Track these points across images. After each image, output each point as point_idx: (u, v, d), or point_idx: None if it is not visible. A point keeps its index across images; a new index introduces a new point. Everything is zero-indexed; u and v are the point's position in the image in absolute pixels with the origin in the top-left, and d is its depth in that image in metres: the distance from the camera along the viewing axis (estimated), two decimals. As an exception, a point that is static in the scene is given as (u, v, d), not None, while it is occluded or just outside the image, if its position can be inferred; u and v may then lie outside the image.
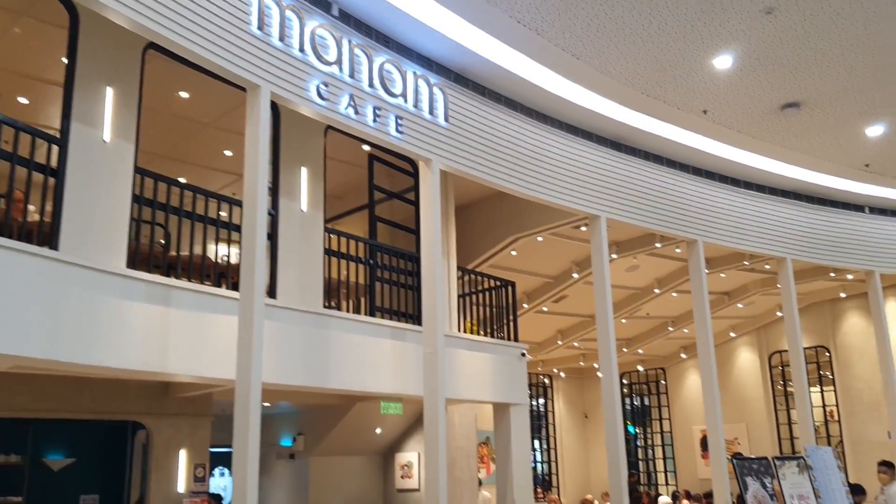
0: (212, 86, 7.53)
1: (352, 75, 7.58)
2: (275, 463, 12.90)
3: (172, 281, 6.85)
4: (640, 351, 20.22)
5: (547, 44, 8.48)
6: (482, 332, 10.96)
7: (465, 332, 10.70)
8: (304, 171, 8.44)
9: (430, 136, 8.26)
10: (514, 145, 9.22)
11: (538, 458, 20.95)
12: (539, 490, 19.04)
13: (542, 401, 21.75)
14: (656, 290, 15.99)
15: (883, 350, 12.87)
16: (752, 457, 8.55)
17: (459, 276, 10.95)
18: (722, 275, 15.24)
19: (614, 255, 13.40)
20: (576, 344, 18.99)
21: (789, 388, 18.30)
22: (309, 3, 7.34)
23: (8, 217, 5.94)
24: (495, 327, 11.26)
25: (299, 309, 7.83)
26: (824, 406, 17.95)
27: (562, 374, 21.88)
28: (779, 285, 12.53)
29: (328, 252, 8.63)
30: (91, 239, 6.38)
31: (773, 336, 19.09)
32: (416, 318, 9.33)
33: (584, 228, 11.62)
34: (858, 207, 13.47)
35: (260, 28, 6.82)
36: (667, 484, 21.04)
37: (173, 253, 7.39)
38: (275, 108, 7.79)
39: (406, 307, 9.52)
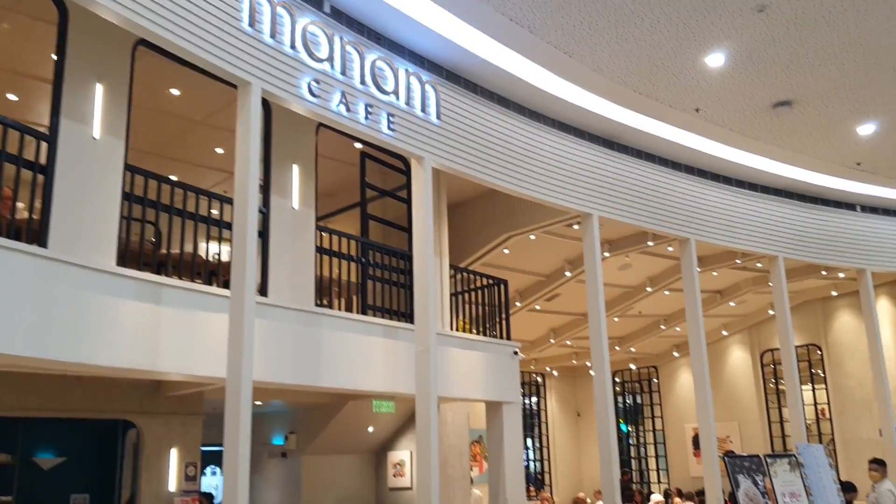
0: (203, 83, 7.49)
1: (343, 72, 7.55)
2: (267, 462, 12.87)
3: (163, 279, 6.80)
4: (632, 349, 20.24)
5: (539, 41, 8.47)
6: (475, 331, 10.95)
7: (457, 330, 10.69)
8: (295, 169, 8.41)
9: (422, 133, 8.23)
10: (506, 143, 9.21)
11: (531, 456, 20.97)
12: (532, 488, 19.06)
13: (534, 399, 21.76)
14: (648, 289, 16.01)
15: (874, 348, 12.91)
16: (744, 455, 8.55)
17: (452, 275, 10.93)
18: (714, 273, 15.26)
19: (607, 254, 13.40)
20: (568, 342, 18.99)
21: (781, 387, 18.36)
22: (300, -1, 7.32)
23: (-4, 214, 5.90)
24: (488, 326, 11.25)
25: (291, 307, 7.80)
26: (816, 404, 18.00)
27: (554, 373, 21.90)
28: (771, 284, 12.55)
29: (320, 250, 8.60)
30: (80, 237, 6.35)
31: (764, 334, 19.15)
32: (408, 316, 9.31)
33: (576, 227, 11.63)
34: (850, 206, 13.51)
35: (251, 25, 6.78)
36: (659, 482, 21.09)
37: (164, 251, 7.35)
38: (266, 105, 7.75)
39: (398, 305, 9.50)
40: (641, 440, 22.04)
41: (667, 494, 17.61)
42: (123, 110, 6.88)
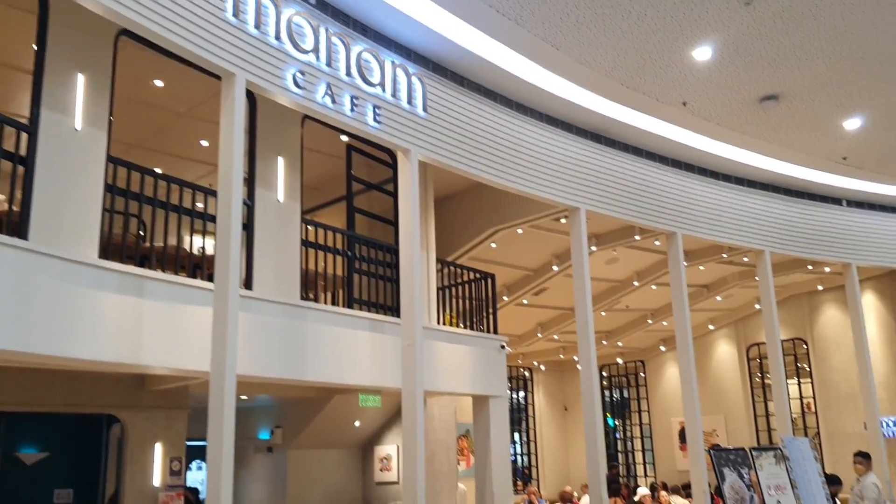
0: (187, 74, 7.41)
1: (329, 64, 7.48)
2: (252, 456, 12.80)
3: (146, 272, 6.74)
4: (619, 343, 20.30)
5: (526, 34, 8.43)
6: (462, 325, 10.93)
7: (444, 324, 10.67)
8: (280, 162, 8.35)
9: (408, 126, 8.18)
10: (493, 136, 9.17)
11: (518, 450, 21.00)
12: (519, 482, 19.10)
13: (522, 393, 21.80)
14: (635, 283, 16.05)
15: (859, 342, 12.98)
16: (730, 448, 8.57)
17: (439, 269, 10.91)
18: (701, 267, 15.31)
19: (594, 248, 13.41)
20: (556, 336, 19.04)
21: (767, 381, 18.48)
22: (285, -10, 7.24)
23: (-25, 206, 5.82)
24: (475, 320, 11.24)
25: (276, 300, 7.75)
26: (801, 398, 18.12)
27: (542, 367, 21.94)
28: (757, 278, 12.59)
29: (305, 243, 8.55)
30: (62, 229, 6.27)
31: (751, 329, 19.25)
32: (394, 310, 9.27)
33: (563, 220, 11.62)
34: (836, 200, 13.56)
35: (235, 15, 6.70)
36: (646, 476, 21.18)
37: (147, 244, 7.28)
38: (251, 96, 7.69)
39: (384, 299, 9.46)
40: (628, 434, 22.14)
41: (653, 488, 17.68)
42: (106, 101, 6.80)
